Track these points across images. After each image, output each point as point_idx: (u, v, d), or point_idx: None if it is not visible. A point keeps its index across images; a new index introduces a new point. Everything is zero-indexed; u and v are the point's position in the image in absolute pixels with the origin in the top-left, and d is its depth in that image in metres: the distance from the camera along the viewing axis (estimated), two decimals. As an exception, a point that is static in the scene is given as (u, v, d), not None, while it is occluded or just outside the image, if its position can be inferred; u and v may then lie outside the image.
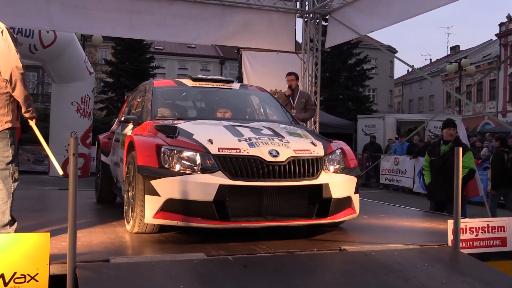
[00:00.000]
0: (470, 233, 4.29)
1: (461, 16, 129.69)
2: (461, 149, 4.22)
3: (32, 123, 4.27)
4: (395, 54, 33.45)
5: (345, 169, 4.52)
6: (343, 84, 29.95)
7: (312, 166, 4.24)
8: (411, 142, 16.63)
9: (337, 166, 4.47)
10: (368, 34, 9.69)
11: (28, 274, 3.08)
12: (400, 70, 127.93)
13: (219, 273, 3.38)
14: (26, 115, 4.16)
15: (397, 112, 42.40)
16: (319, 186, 4.20)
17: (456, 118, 17.42)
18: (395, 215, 6.28)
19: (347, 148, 4.80)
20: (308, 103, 8.02)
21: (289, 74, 8.14)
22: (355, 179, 4.59)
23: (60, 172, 4.30)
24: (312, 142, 4.49)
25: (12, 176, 4.07)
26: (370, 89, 39.72)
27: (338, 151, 4.59)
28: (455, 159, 4.17)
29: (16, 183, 4.11)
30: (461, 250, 4.13)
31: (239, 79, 16.62)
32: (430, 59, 58.11)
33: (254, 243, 4.07)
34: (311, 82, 10.45)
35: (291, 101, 7.84)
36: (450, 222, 4.17)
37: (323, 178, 4.26)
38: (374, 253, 3.92)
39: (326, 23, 11.32)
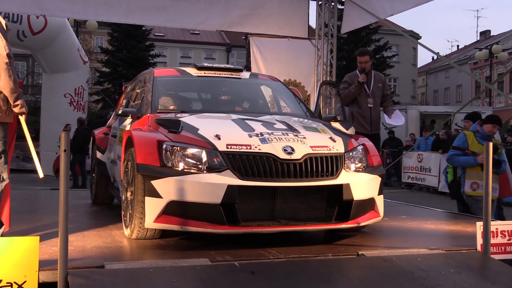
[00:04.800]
0: (502, 237, 4.26)
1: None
2: (491, 144, 4.19)
3: (21, 119, 4.25)
4: (419, 40, 33.28)
5: (368, 168, 4.49)
6: (361, 74, 29.85)
7: (331, 164, 4.20)
8: (437, 136, 16.55)
9: (359, 164, 4.43)
10: (388, 18, 9.58)
11: (15, 282, 3.08)
12: (424, 58, 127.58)
13: (225, 280, 3.38)
14: (15, 110, 4.13)
15: (420, 104, 42.33)
16: (339, 187, 4.16)
17: (486, 110, 17.37)
18: (418, 217, 6.25)
19: (369, 144, 4.77)
20: (385, 88, 7.04)
21: (363, 53, 6.96)
22: (379, 179, 4.56)
23: (41, 175, 4.28)
24: (331, 138, 4.45)
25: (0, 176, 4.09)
26: (391, 78, 39.56)
27: (359, 148, 4.57)
28: (484, 155, 4.15)
29: (4, 183, 4.12)
30: (492, 256, 4.11)
31: (247, 68, 16.60)
32: (458, 46, 57.93)
33: (263, 247, 4.06)
34: (325, 71, 10.39)
35: (366, 88, 6.93)
36: (479, 224, 4.15)
37: (343, 177, 4.22)
38: (394, 258, 3.91)
39: (342, 6, 11.26)
